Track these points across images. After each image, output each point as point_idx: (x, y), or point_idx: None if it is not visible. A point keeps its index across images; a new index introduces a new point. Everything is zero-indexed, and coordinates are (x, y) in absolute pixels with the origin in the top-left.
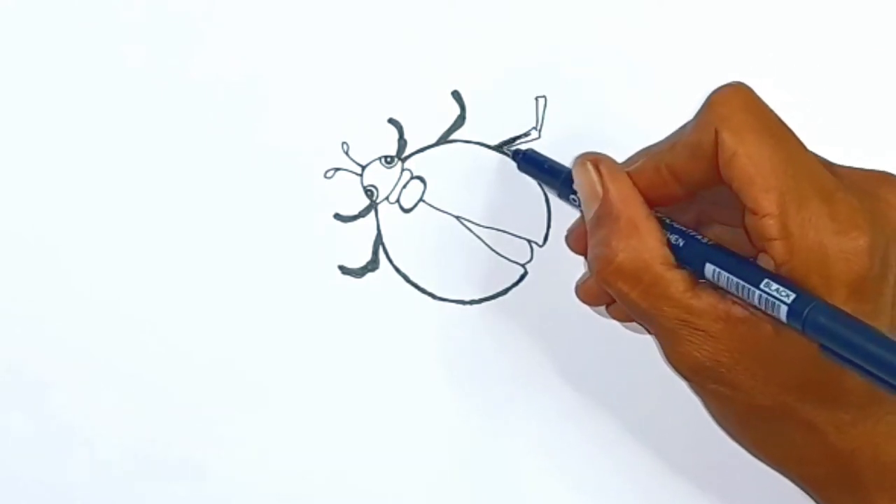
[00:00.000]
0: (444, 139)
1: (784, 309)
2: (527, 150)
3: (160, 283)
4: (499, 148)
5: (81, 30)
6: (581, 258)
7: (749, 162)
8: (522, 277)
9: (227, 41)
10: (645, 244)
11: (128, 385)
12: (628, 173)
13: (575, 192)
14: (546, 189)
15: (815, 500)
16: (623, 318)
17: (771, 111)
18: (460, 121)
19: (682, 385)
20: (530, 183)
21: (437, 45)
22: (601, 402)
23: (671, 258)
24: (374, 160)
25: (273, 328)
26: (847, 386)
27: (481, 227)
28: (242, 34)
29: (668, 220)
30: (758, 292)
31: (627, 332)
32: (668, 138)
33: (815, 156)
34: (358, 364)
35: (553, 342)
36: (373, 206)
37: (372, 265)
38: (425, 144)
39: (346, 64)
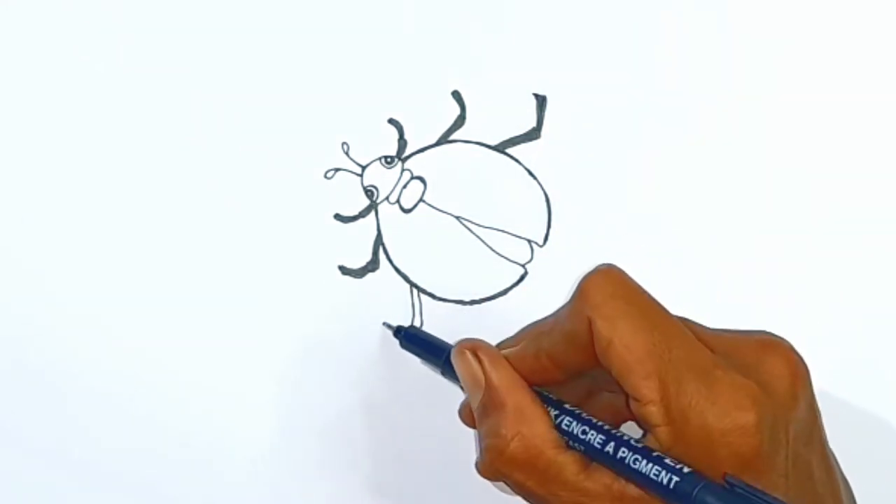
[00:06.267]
0: (444, 139)
1: (673, 489)
2: (409, 326)
3: (159, 283)
4: (499, 148)
5: (81, 29)
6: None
7: (625, 350)
8: (522, 277)
9: (227, 41)
10: (534, 430)
11: (126, 385)
12: (509, 357)
13: None
14: (430, 366)
15: None
16: None
17: (642, 292)
18: (460, 121)
19: None
20: (530, 183)
21: (437, 45)
22: None
23: (561, 441)
24: (374, 160)
25: (273, 328)
26: None
27: (481, 227)
28: (242, 34)
29: (552, 397)
30: (647, 473)
31: None
32: (548, 319)
33: (693, 327)
34: (358, 364)
35: None
36: (373, 206)
37: (372, 265)
38: (425, 144)
39: (346, 64)
